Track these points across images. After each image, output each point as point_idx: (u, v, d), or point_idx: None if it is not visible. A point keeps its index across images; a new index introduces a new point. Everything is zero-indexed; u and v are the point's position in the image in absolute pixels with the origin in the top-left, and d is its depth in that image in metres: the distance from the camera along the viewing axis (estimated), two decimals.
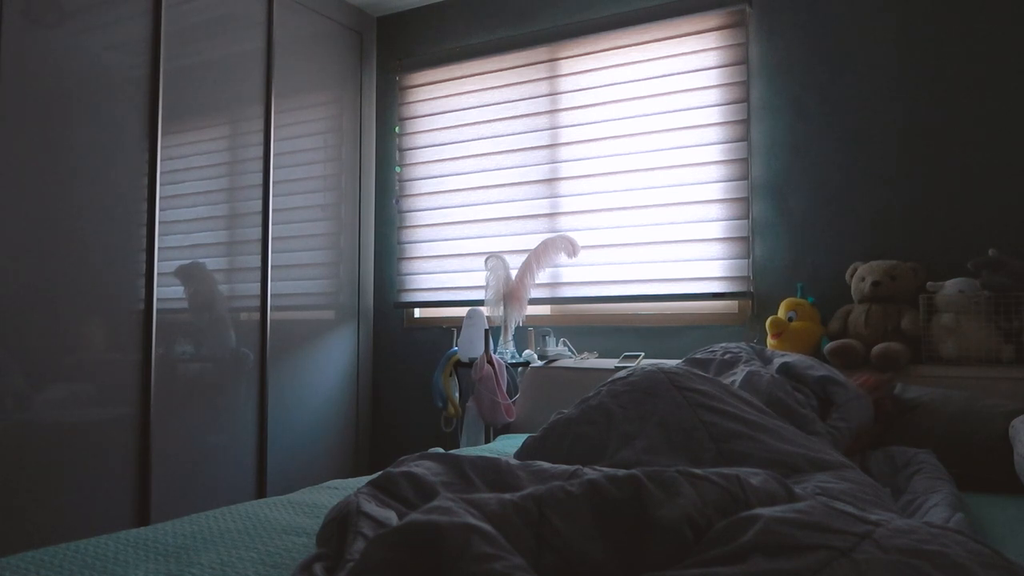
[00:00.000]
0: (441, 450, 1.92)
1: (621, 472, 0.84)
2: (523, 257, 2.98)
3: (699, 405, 1.43)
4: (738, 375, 1.77)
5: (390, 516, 1.00)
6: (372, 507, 1.00)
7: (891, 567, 0.68)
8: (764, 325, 2.57)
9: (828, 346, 2.35)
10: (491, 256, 3.00)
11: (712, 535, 0.76)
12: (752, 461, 1.31)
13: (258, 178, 2.99)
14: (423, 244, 3.46)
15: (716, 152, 2.82)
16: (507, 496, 0.82)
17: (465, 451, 2.05)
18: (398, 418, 3.50)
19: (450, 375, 3.05)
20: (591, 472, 1.05)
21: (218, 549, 1.12)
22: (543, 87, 3.20)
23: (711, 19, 2.86)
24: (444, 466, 1.17)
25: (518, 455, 1.51)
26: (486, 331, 2.90)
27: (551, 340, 2.97)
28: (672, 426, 1.40)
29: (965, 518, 1.12)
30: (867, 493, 1.21)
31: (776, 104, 2.75)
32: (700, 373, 1.57)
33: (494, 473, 1.14)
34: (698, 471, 0.86)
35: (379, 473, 1.16)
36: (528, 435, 1.61)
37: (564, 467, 1.13)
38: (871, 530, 0.74)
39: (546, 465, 1.16)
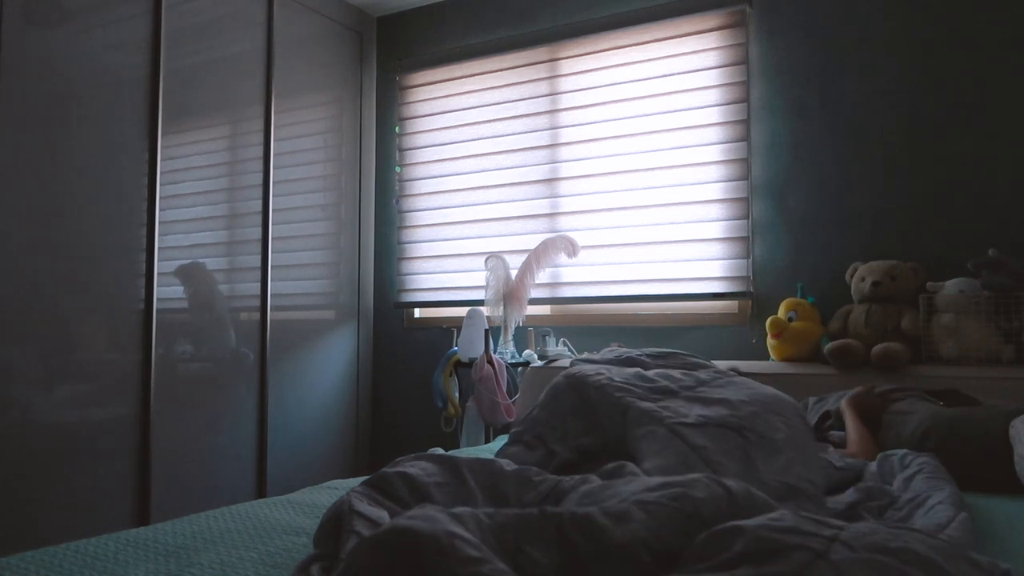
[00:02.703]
0: (441, 450, 1.92)
1: (580, 511, 0.86)
2: (523, 257, 2.98)
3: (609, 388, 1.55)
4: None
5: (382, 515, 1.00)
6: (364, 506, 1.01)
7: (865, 565, 0.73)
8: (764, 325, 2.57)
9: (828, 346, 2.35)
10: (491, 256, 3.00)
11: (697, 548, 0.79)
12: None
13: (258, 178, 2.99)
14: (423, 244, 3.46)
15: (716, 152, 2.82)
16: (485, 520, 0.84)
17: (465, 451, 2.05)
18: (398, 418, 3.50)
19: (450, 375, 3.05)
20: (567, 492, 1.05)
21: (218, 549, 1.12)
22: (543, 87, 3.20)
23: (711, 19, 2.86)
24: (439, 467, 1.17)
25: None
26: (486, 331, 2.90)
27: (551, 340, 2.97)
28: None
29: (968, 518, 1.12)
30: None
31: (776, 104, 2.75)
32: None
33: (489, 477, 1.14)
34: (649, 498, 0.87)
35: (374, 475, 1.16)
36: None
37: (547, 481, 1.11)
38: (837, 533, 0.78)
39: (534, 475, 1.14)
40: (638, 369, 1.65)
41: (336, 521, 0.98)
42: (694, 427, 1.33)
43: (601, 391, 1.49)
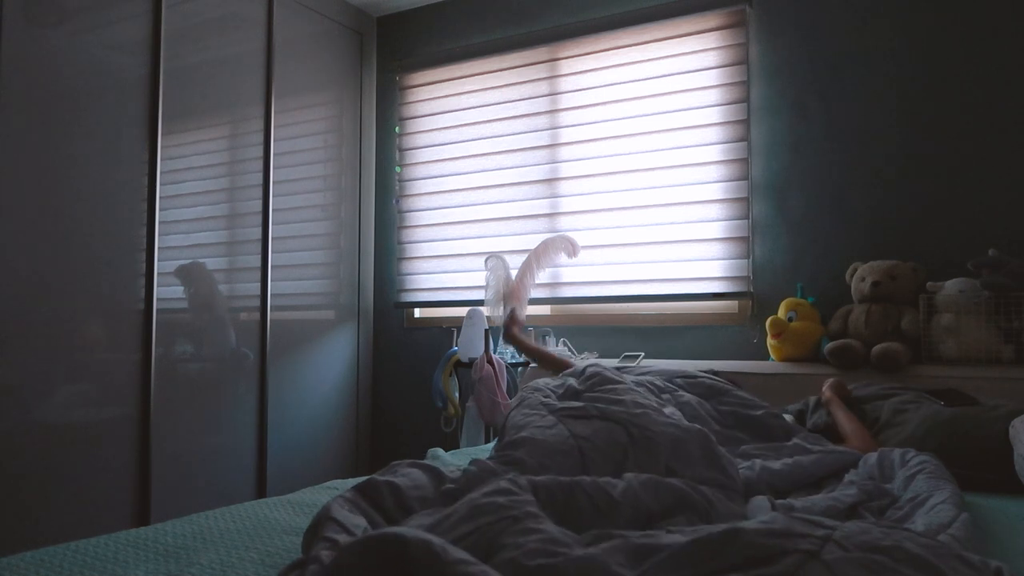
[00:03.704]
0: (441, 451, 1.92)
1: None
2: (523, 257, 2.98)
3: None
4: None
5: (359, 522, 1.00)
6: (344, 512, 1.01)
7: (857, 563, 0.73)
8: (764, 325, 2.57)
9: (828, 346, 2.35)
10: (491, 256, 3.00)
11: (685, 552, 0.77)
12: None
13: (258, 178, 2.99)
14: (423, 244, 3.46)
15: (716, 152, 2.82)
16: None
17: (465, 451, 2.05)
18: (398, 418, 3.50)
19: (450, 375, 3.05)
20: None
21: (218, 549, 1.12)
22: (543, 87, 3.20)
23: (711, 19, 2.86)
24: (429, 479, 1.17)
25: None
26: (486, 331, 2.90)
27: (551, 340, 2.97)
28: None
29: (970, 518, 1.12)
30: None
31: (776, 104, 2.75)
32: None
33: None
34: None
35: (365, 479, 1.17)
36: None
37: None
38: (830, 533, 0.78)
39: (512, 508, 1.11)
40: (571, 381, 1.66)
41: (316, 527, 0.98)
42: (581, 419, 1.34)
43: (523, 400, 1.55)
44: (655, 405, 1.43)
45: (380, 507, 1.08)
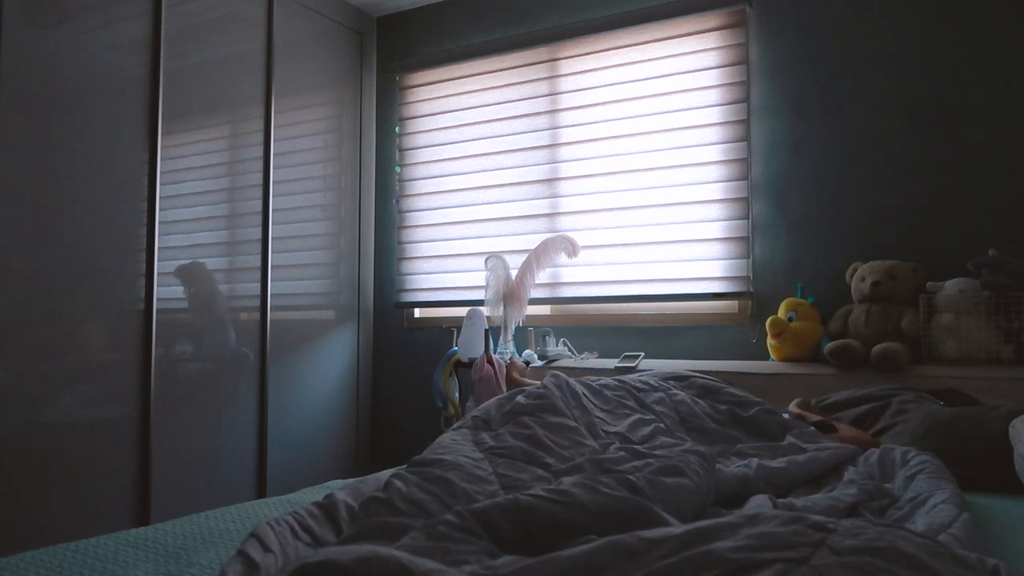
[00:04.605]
0: None
1: None
2: (523, 257, 2.98)
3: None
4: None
5: (278, 544, 0.98)
6: (265, 529, 1.00)
7: (847, 568, 0.72)
8: (764, 325, 2.57)
9: (828, 346, 2.35)
10: (491, 256, 3.00)
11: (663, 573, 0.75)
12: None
13: (258, 178, 2.99)
14: (423, 244, 3.46)
15: (716, 152, 2.82)
16: None
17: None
18: (398, 418, 3.50)
19: (450, 375, 3.05)
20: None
21: (218, 549, 1.12)
22: (543, 87, 3.20)
23: (711, 19, 2.86)
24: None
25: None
26: (486, 331, 2.90)
27: (551, 340, 2.97)
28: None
29: (971, 518, 1.12)
30: None
31: (776, 104, 2.75)
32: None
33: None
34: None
35: (327, 494, 1.17)
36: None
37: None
38: (824, 537, 0.77)
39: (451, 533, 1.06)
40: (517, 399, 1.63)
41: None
42: (505, 458, 1.32)
43: (461, 425, 1.54)
44: (592, 447, 1.40)
45: (336, 527, 1.09)
